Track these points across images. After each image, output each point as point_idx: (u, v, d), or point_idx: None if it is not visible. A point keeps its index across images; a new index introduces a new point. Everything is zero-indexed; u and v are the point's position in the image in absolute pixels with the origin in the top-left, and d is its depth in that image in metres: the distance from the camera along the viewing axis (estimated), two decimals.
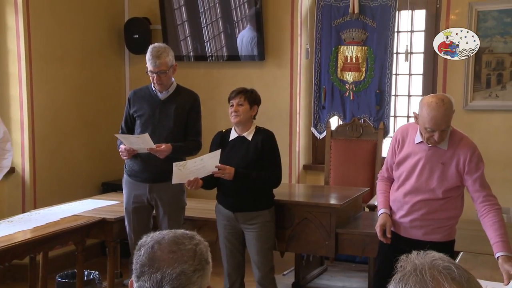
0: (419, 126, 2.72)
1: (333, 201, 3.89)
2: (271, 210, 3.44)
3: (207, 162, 3.24)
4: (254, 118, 3.44)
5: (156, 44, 3.53)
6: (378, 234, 2.84)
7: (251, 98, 3.37)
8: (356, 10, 4.64)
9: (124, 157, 3.50)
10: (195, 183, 3.27)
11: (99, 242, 4.86)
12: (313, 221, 3.64)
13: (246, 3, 4.91)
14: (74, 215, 3.79)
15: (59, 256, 4.45)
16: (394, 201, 2.89)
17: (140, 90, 3.67)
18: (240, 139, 3.40)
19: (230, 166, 3.29)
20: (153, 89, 3.55)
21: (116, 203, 4.08)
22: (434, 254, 1.07)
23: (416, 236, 2.82)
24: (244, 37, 4.98)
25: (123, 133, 3.61)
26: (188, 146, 3.54)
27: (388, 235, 2.81)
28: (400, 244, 2.81)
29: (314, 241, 3.65)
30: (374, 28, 4.63)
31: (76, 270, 3.80)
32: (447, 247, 2.77)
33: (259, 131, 3.43)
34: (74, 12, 4.92)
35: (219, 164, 3.24)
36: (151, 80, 3.49)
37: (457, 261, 2.74)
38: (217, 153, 3.23)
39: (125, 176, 3.65)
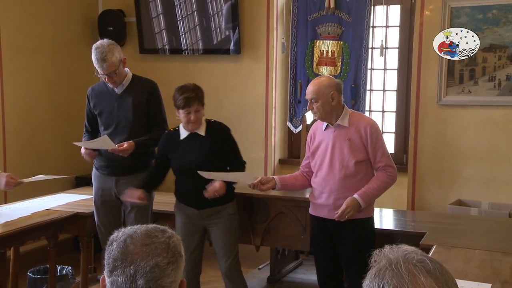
0: None
1: (308, 195, 3.89)
2: (234, 203, 3.43)
3: (237, 178, 3.26)
4: None
5: (98, 43, 3.38)
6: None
7: (202, 99, 3.28)
8: (332, 5, 4.64)
9: (88, 159, 3.50)
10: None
11: (72, 237, 4.80)
12: (289, 215, 3.65)
13: None
14: (47, 209, 3.72)
15: (31, 251, 4.38)
16: (317, 186, 3.18)
17: (97, 85, 3.61)
18: (193, 136, 3.32)
19: (190, 164, 3.25)
20: (109, 84, 3.48)
21: (89, 197, 4.01)
22: (406, 248, 1.09)
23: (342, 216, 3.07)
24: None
25: (87, 131, 3.61)
26: (153, 138, 3.48)
27: (261, 187, 3.17)
28: (327, 226, 3.15)
29: (289, 235, 3.66)
30: (350, 22, 4.65)
31: (48, 265, 3.74)
32: (368, 224, 3.15)
33: (211, 124, 3.36)
34: (46, 3, 4.82)
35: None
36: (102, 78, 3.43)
37: (430, 254, 2.78)
38: (251, 174, 3.22)
39: (94, 170, 3.63)
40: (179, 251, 1.25)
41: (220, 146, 3.32)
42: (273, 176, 3.31)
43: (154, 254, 1.20)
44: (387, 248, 1.09)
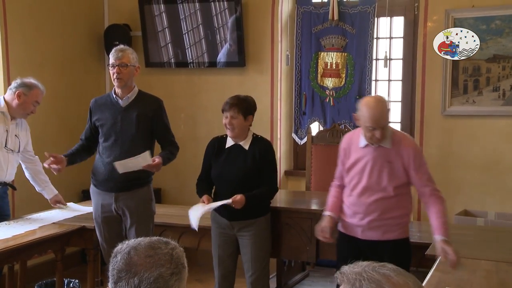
0: (361, 126, 2.89)
1: (314, 206, 3.91)
2: (266, 217, 3.43)
3: (218, 203, 3.27)
4: (250, 125, 3.41)
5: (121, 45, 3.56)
6: (317, 233, 3.03)
7: (245, 108, 3.30)
8: (336, 17, 4.68)
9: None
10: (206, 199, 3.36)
11: (79, 250, 4.81)
12: (294, 226, 3.65)
13: (226, 10, 4.92)
14: (53, 223, 3.75)
15: (38, 264, 4.40)
16: (350, 206, 3.02)
17: (101, 98, 3.62)
18: (237, 147, 3.37)
19: (228, 175, 3.30)
20: (113, 96, 3.49)
21: None
22: (362, 263, 1.15)
23: (374, 237, 2.96)
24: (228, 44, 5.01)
25: (80, 139, 3.60)
26: (172, 151, 3.53)
27: (327, 236, 3.01)
28: (360, 247, 2.98)
29: (295, 246, 3.66)
30: (354, 34, 4.68)
31: (55, 279, 3.75)
32: (404, 244, 2.98)
33: (257, 140, 3.39)
34: (53, 19, 4.89)
35: (230, 200, 3.21)
36: (111, 76, 3.43)
37: (435, 264, 2.78)
38: (228, 201, 3.20)
39: (91, 186, 3.59)
40: (182, 263, 1.27)
41: (260, 164, 3.32)
42: (328, 215, 3.07)
43: (158, 265, 1.22)
44: (345, 268, 1.14)
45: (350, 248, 3.02)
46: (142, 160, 3.31)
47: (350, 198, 3.02)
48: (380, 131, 2.81)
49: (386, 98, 2.96)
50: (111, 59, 3.43)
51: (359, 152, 2.97)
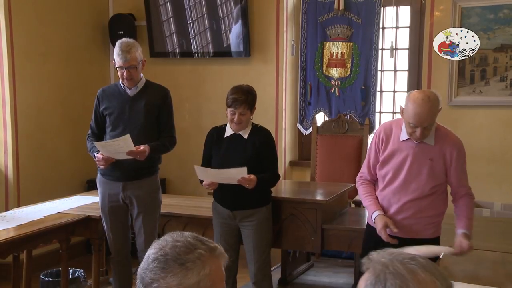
0: (404, 120, 2.72)
1: (319, 197, 3.89)
2: (268, 207, 3.43)
3: (232, 175, 3.21)
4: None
5: (124, 39, 3.43)
6: (384, 237, 2.76)
7: (251, 103, 3.34)
8: (341, 6, 4.64)
9: (102, 166, 3.41)
10: (213, 185, 3.31)
11: (84, 240, 4.83)
12: (299, 217, 3.65)
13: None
14: (59, 212, 3.75)
15: (44, 254, 4.41)
16: (382, 201, 2.87)
17: (108, 87, 3.60)
18: (236, 136, 3.37)
19: (229, 165, 3.27)
20: (122, 85, 3.47)
21: None
22: (392, 250, 1.10)
23: (405, 234, 2.79)
24: (235, 33, 4.97)
25: (93, 132, 3.55)
26: (164, 144, 3.49)
27: (395, 230, 2.75)
28: (387, 243, 2.77)
29: (300, 237, 3.66)
30: (359, 24, 4.64)
31: (60, 268, 3.76)
32: (435, 244, 2.80)
33: (256, 129, 3.40)
34: (58, 8, 4.87)
35: (245, 176, 3.16)
36: (119, 76, 3.41)
37: (440, 256, 2.76)
38: (244, 170, 3.15)
39: (98, 176, 3.57)
40: (178, 258, 1.22)
41: (260, 153, 3.33)
42: (380, 214, 2.82)
43: (154, 247, 1.25)
44: (374, 254, 1.09)
45: (377, 242, 2.79)
46: (124, 144, 3.25)
47: (383, 193, 2.86)
48: (421, 130, 2.65)
49: (437, 95, 2.69)
50: (119, 60, 3.35)
51: (397, 145, 2.79)
